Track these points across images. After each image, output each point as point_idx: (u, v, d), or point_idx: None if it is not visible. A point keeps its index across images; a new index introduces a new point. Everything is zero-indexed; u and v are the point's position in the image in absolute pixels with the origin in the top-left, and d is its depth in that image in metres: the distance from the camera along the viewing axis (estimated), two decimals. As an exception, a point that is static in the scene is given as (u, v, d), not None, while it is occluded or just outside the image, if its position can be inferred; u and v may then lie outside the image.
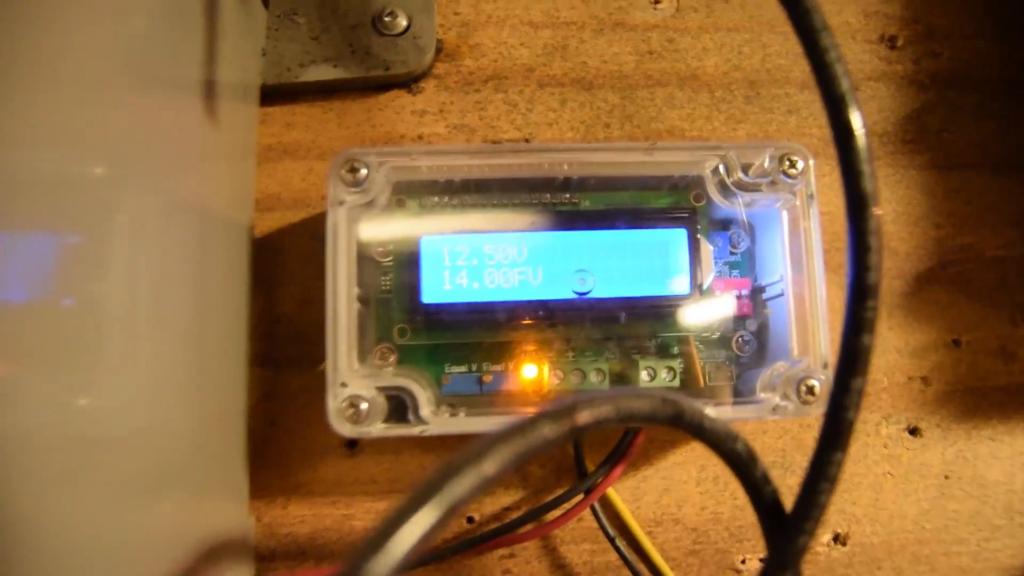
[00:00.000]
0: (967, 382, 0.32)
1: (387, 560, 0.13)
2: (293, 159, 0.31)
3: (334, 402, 0.24)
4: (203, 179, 0.26)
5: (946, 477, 0.32)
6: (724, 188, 0.28)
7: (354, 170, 0.26)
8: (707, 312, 0.28)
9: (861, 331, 0.19)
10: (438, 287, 0.27)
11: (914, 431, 0.32)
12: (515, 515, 0.29)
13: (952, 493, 0.32)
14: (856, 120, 0.18)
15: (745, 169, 0.27)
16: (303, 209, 0.31)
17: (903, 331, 0.33)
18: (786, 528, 0.21)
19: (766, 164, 0.27)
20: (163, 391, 0.23)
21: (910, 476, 0.32)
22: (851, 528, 0.32)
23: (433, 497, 0.14)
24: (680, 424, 0.18)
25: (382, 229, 0.27)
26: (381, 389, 0.25)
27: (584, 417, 0.16)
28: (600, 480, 0.28)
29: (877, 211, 0.19)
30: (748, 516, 0.31)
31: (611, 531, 0.29)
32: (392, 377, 0.26)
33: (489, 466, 0.14)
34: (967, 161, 0.33)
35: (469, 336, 0.27)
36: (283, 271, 0.30)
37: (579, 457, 0.29)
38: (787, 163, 0.27)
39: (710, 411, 0.19)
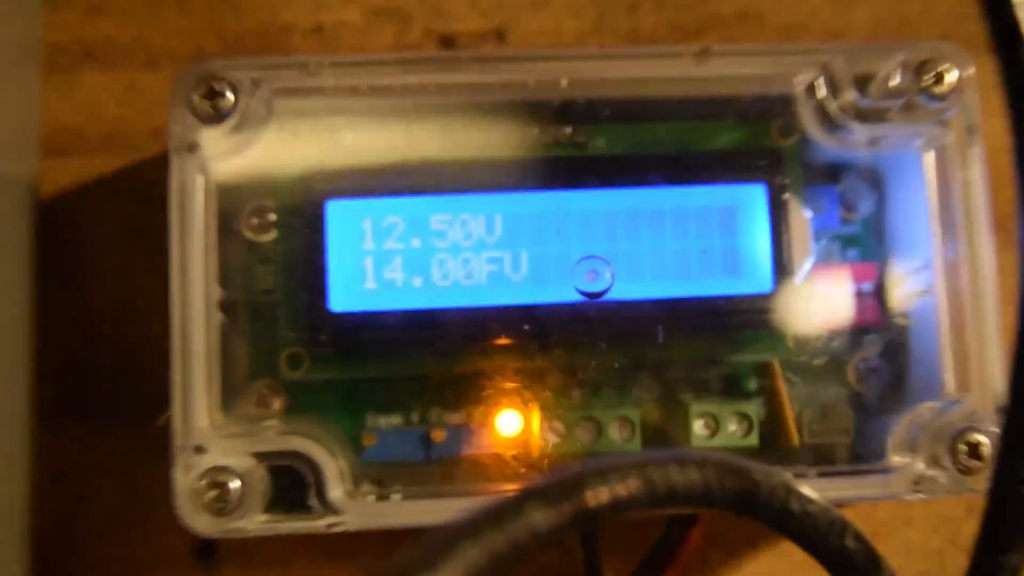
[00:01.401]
0: None
1: None
2: (102, 69, 0.25)
3: (185, 479, 0.19)
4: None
5: None
6: (826, 116, 0.21)
7: (214, 94, 0.20)
8: (804, 321, 0.22)
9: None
10: (355, 286, 0.21)
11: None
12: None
13: None
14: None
15: (861, 85, 0.21)
16: (120, 152, 0.25)
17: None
18: None
19: (895, 78, 0.20)
20: None
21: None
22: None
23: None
24: (753, 508, 0.14)
25: (259, 185, 0.21)
26: (261, 457, 0.20)
27: (596, 497, 0.13)
28: (627, 601, 0.21)
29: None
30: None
31: None
32: (279, 437, 0.20)
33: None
34: None
35: (408, 366, 0.21)
36: (88, 257, 0.24)
37: (593, 567, 0.22)
38: (930, 75, 0.20)
39: (806, 486, 0.15)
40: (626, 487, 0.13)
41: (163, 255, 0.23)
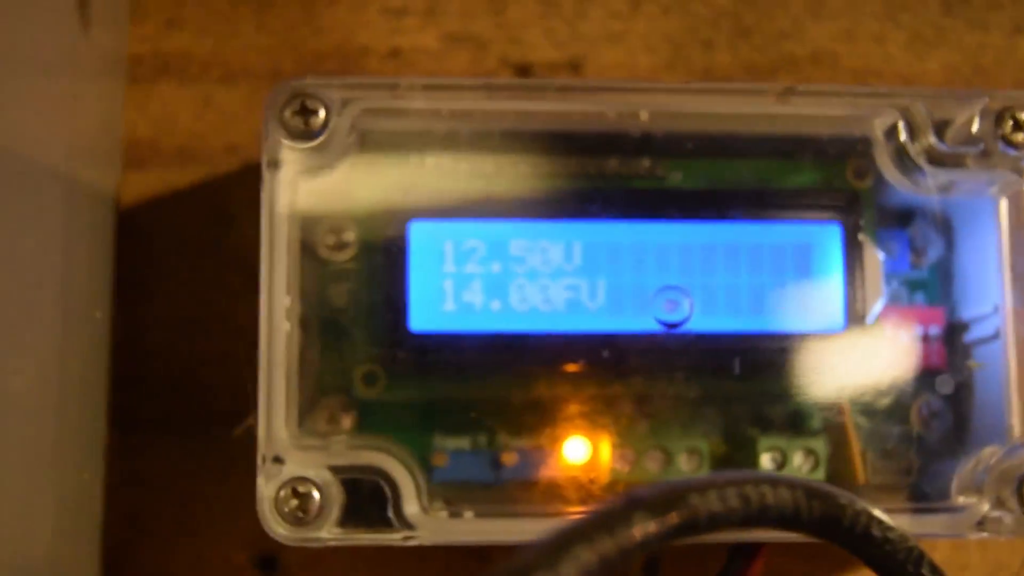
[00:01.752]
0: None
1: None
2: (179, 82, 0.24)
3: (268, 487, 0.19)
4: (68, 115, 0.20)
5: None
6: (903, 159, 0.21)
7: (306, 111, 0.19)
8: (872, 362, 0.22)
9: None
10: (435, 307, 0.21)
11: None
12: None
13: None
14: None
15: (940, 130, 0.21)
16: (193, 167, 0.24)
17: None
18: None
19: (974, 125, 0.20)
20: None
21: None
22: None
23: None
24: (837, 532, 0.15)
25: (339, 204, 0.21)
26: (336, 470, 0.19)
27: (697, 509, 0.13)
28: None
29: None
30: None
31: None
32: (354, 452, 0.20)
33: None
34: None
35: (483, 388, 0.21)
36: (159, 271, 0.24)
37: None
38: (1010, 123, 0.20)
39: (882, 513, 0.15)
40: (724, 502, 0.13)
41: (230, 271, 0.22)
